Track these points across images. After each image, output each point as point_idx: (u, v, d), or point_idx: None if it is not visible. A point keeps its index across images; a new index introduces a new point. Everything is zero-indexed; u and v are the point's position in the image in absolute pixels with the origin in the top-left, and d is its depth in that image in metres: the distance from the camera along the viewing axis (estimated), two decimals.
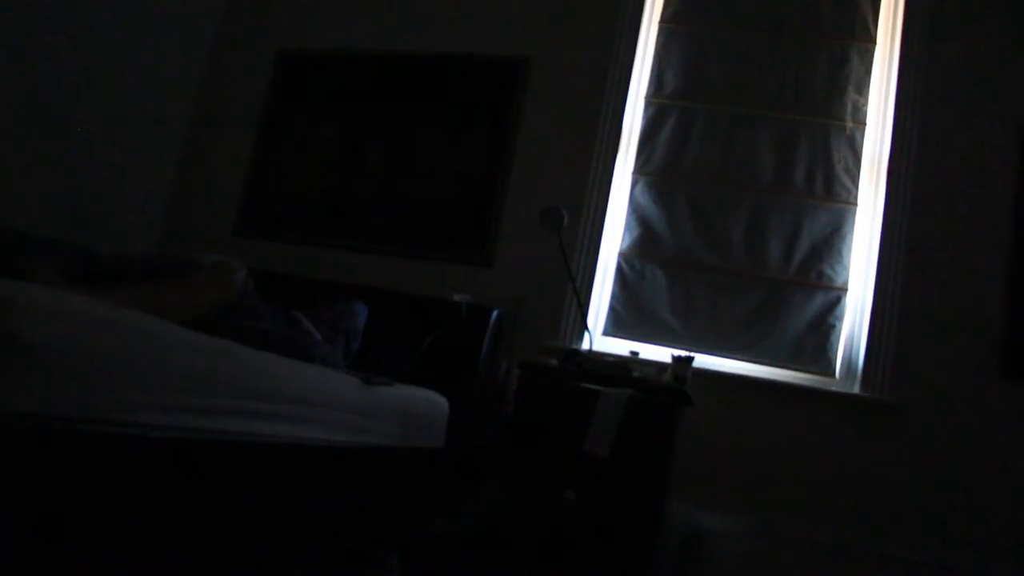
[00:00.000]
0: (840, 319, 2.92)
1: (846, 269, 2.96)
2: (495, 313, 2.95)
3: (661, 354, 2.87)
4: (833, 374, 2.88)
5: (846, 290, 2.94)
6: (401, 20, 3.53)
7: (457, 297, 2.93)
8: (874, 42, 3.11)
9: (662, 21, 3.30)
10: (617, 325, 3.07)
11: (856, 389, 2.81)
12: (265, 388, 1.48)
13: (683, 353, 2.66)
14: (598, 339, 3.05)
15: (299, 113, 3.57)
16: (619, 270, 3.12)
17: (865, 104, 3.07)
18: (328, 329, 2.48)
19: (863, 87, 3.08)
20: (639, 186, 3.18)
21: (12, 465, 0.99)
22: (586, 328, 2.92)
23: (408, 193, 3.34)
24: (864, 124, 3.06)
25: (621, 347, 2.94)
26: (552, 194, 3.06)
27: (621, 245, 3.15)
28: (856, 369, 2.84)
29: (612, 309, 3.10)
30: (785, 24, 3.17)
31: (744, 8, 3.23)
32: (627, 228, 3.16)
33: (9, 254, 1.53)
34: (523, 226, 3.13)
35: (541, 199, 2.98)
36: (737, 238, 3.05)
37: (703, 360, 2.86)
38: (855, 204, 3.00)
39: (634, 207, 3.17)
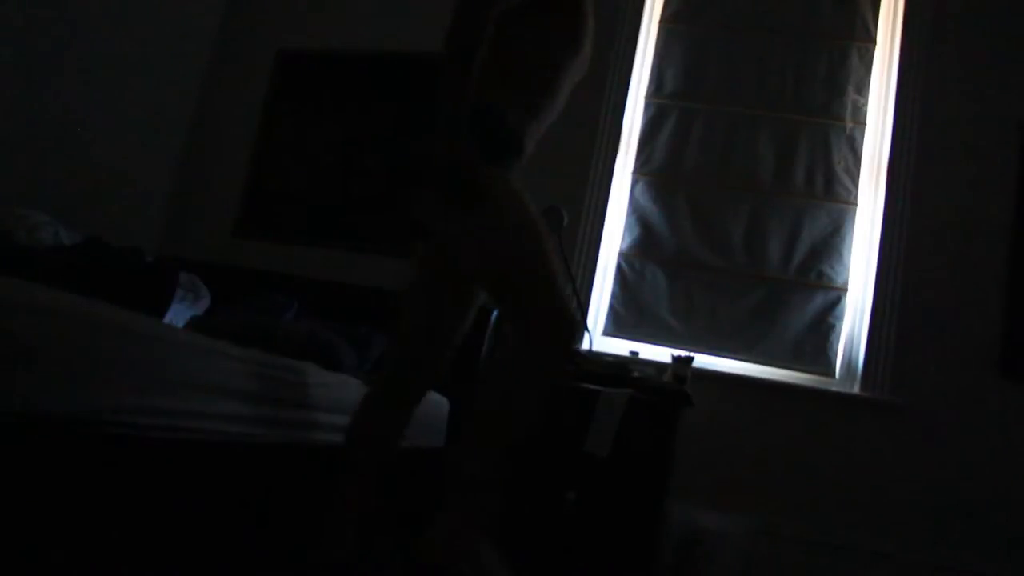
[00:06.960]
0: (840, 319, 2.92)
1: (846, 269, 2.96)
2: (495, 313, 2.95)
3: (661, 354, 2.87)
4: (833, 374, 2.88)
5: (846, 290, 2.94)
6: (401, 20, 3.52)
7: None
8: (874, 42, 3.11)
9: (662, 21, 3.30)
10: (617, 325, 3.07)
11: (856, 389, 2.81)
12: (266, 391, 1.48)
13: (683, 353, 2.66)
14: (598, 339, 3.05)
15: (299, 113, 3.56)
16: (619, 270, 3.12)
17: (865, 104, 3.07)
18: (355, 344, 2.47)
19: (863, 87, 3.08)
20: (639, 186, 3.18)
21: (11, 465, 0.99)
22: (586, 328, 2.92)
23: (408, 193, 3.33)
24: (864, 124, 3.05)
25: (621, 347, 2.94)
26: (552, 194, 3.06)
27: (621, 245, 3.15)
28: (856, 369, 2.84)
29: (612, 309, 3.10)
30: (785, 24, 3.17)
31: (744, 8, 3.23)
32: (627, 228, 3.16)
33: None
34: None
35: (541, 199, 2.96)
36: (737, 238, 3.04)
37: (703, 360, 2.86)
38: (855, 204, 3.00)
39: (634, 207, 3.16)
